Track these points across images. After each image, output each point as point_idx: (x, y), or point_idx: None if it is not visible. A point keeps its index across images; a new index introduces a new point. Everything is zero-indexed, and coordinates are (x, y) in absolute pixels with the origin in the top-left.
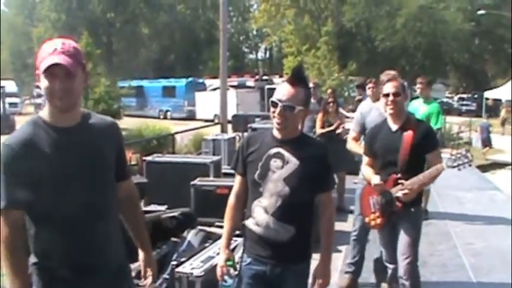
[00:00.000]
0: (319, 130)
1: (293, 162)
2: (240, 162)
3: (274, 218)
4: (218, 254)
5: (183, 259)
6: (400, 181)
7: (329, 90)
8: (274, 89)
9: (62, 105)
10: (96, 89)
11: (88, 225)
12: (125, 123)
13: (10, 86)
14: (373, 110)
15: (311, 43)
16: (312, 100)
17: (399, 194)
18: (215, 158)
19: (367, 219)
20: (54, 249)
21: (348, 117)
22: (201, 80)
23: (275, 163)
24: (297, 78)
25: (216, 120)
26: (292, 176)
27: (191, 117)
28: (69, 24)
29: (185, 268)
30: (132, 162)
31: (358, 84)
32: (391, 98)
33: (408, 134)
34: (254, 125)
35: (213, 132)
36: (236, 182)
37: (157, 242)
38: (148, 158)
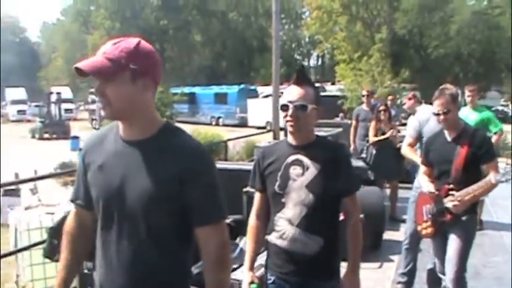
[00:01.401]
0: (372, 138)
1: (313, 167)
2: (258, 178)
3: (300, 229)
4: None
5: (235, 266)
6: (451, 192)
7: (390, 97)
8: (326, 96)
9: (105, 113)
10: None
11: (120, 254)
12: None
13: (65, 92)
14: (431, 119)
15: (363, 50)
16: (366, 108)
17: (449, 204)
18: None
19: (419, 228)
20: (95, 264)
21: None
22: (253, 87)
23: (295, 171)
24: (303, 78)
25: (268, 127)
26: (315, 182)
27: (243, 124)
28: (123, 32)
29: (237, 275)
30: None
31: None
32: (441, 117)
33: (463, 145)
34: None
35: (265, 139)
36: (256, 199)
37: None
38: None
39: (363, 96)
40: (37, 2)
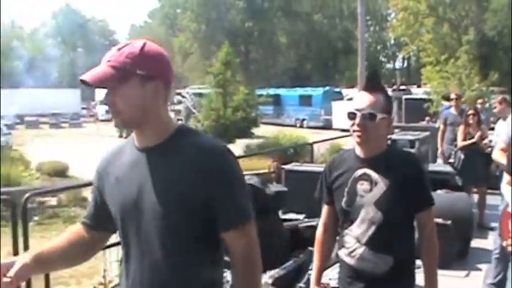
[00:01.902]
0: (460, 143)
1: (382, 182)
2: (325, 191)
3: (368, 247)
4: None
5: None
6: None
7: (479, 100)
8: (412, 99)
9: (115, 122)
10: (235, 96)
11: (142, 271)
12: (262, 131)
13: None
14: None
15: (450, 52)
16: (454, 112)
17: None
18: None
19: (504, 243)
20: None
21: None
22: (337, 89)
23: (362, 186)
24: (374, 84)
25: None
26: (384, 199)
27: (327, 126)
28: (209, 34)
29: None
30: (271, 170)
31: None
32: None
33: None
34: (393, 136)
35: (350, 142)
36: (323, 212)
37: (295, 251)
38: (287, 167)
39: (451, 99)
40: (125, 5)
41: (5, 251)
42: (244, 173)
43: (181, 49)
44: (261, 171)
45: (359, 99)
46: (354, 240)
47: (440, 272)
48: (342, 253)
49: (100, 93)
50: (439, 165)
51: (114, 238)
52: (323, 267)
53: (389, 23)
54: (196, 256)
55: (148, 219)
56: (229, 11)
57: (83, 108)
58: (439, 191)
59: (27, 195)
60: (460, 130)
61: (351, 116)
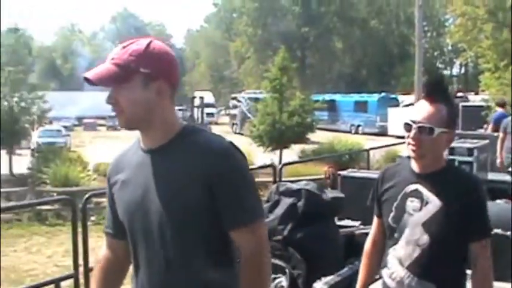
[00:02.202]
0: None
1: (434, 202)
2: (375, 202)
3: (410, 272)
4: None
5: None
6: None
7: None
8: (470, 106)
9: (119, 122)
10: (291, 102)
11: (151, 277)
12: (318, 136)
13: (207, 97)
14: None
15: (510, 59)
16: None
17: None
18: None
19: None
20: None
21: None
22: (393, 96)
23: (412, 203)
24: (437, 93)
25: None
26: (433, 221)
27: (383, 132)
28: (265, 39)
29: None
30: (327, 176)
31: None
32: None
33: None
34: (451, 144)
35: (405, 149)
36: (373, 224)
37: (350, 258)
38: (344, 173)
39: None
40: (182, 10)
41: (62, 249)
42: (300, 178)
43: (237, 54)
44: (317, 177)
45: (417, 109)
46: (397, 262)
47: (499, 284)
48: (384, 273)
49: None
50: (498, 174)
51: None
52: (367, 283)
53: (447, 28)
54: (205, 258)
55: (154, 222)
56: (285, 15)
57: None
58: (498, 201)
59: (87, 195)
60: None
61: (407, 127)
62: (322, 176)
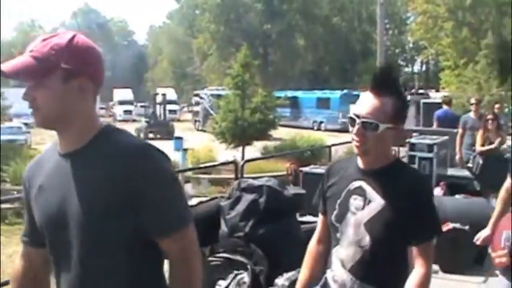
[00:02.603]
0: (479, 148)
1: (377, 201)
2: (321, 198)
3: (352, 275)
4: None
5: None
6: None
7: (496, 105)
8: (430, 103)
9: (35, 121)
10: (253, 98)
11: (68, 277)
12: (280, 133)
13: (170, 94)
14: None
15: (469, 56)
16: (473, 116)
17: None
18: None
19: (493, 255)
20: None
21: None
22: (355, 92)
23: (355, 201)
24: (384, 86)
25: None
26: (375, 221)
27: (345, 129)
28: (227, 36)
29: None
30: (289, 172)
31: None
32: None
33: None
34: (412, 140)
35: None
36: (319, 222)
37: None
38: (305, 169)
39: (472, 104)
40: (144, 6)
41: (11, 251)
42: (262, 175)
43: (199, 50)
44: (279, 174)
45: (362, 102)
46: (339, 263)
47: (457, 277)
48: (329, 275)
49: (118, 94)
50: (457, 170)
51: None
52: (308, 284)
53: (408, 26)
54: (128, 266)
55: (73, 230)
56: (247, 12)
57: (101, 108)
58: (457, 196)
59: None
60: (479, 135)
61: (351, 122)
62: (284, 173)
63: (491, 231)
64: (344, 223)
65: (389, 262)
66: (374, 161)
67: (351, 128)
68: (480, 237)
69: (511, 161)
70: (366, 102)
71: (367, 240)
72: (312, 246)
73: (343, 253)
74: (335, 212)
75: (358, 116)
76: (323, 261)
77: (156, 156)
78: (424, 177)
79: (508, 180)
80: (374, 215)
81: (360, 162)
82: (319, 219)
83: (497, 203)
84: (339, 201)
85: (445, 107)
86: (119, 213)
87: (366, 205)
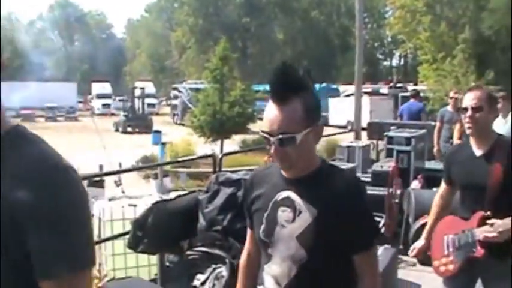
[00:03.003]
0: (456, 141)
1: (308, 211)
2: (246, 211)
3: None
4: None
5: None
6: (489, 221)
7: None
8: (408, 96)
9: None
10: (232, 92)
11: None
12: (259, 126)
13: (148, 88)
14: None
15: (447, 51)
16: (451, 109)
17: (483, 236)
18: (350, 165)
19: (436, 263)
20: None
21: None
22: (334, 86)
23: (284, 213)
24: (285, 90)
25: (349, 127)
26: (308, 233)
27: (323, 122)
28: (206, 29)
29: None
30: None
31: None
32: (469, 113)
33: (496, 163)
34: (390, 134)
35: (346, 138)
36: (247, 236)
37: None
38: None
39: (451, 98)
40: None
41: None
42: (241, 168)
43: (178, 44)
44: (257, 167)
45: (269, 116)
46: (273, 281)
47: (429, 268)
48: None
49: (96, 87)
50: (435, 163)
51: (109, 232)
52: None
53: (387, 20)
54: None
55: None
56: (226, 6)
57: (79, 102)
58: (434, 189)
59: None
60: (457, 128)
61: (266, 140)
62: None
63: (427, 240)
64: (274, 238)
65: (330, 276)
66: (299, 170)
67: (267, 147)
68: (415, 248)
69: (443, 167)
70: (273, 116)
71: (301, 254)
72: (242, 262)
73: (277, 270)
74: (262, 227)
75: (270, 134)
76: (255, 277)
77: (56, 178)
78: (355, 179)
79: (443, 185)
80: (306, 227)
81: (283, 171)
82: (248, 234)
83: (432, 210)
84: (265, 214)
85: (412, 100)
86: (9, 247)
87: (297, 217)
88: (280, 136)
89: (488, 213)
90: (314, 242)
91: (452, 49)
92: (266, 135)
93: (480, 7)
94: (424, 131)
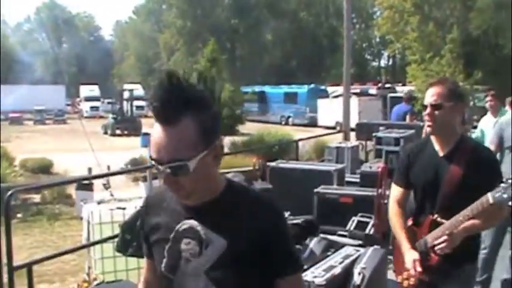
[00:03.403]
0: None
1: (217, 242)
2: (143, 239)
3: None
4: (340, 263)
5: (304, 267)
6: (438, 222)
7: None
8: (396, 97)
9: None
10: (221, 94)
11: None
12: (247, 128)
13: (137, 90)
14: None
15: (435, 51)
16: None
17: (434, 242)
18: (339, 166)
19: (399, 278)
20: None
21: None
22: (323, 87)
23: (188, 246)
24: (170, 108)
25: (338, 128)
26: (219, 267)
27: (312, 123)
28: (194, 31)
29: (307, 276)
30: (256, 167)
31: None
32: (428, 110)
33: (456, 163)
34: (379, 134)
35: (335, 139)
36: (145, 265)
37: None
38: (272, 164)
39: None
40: (110, 1)
41: None
42: (230, 170)
43: (166, 46)
44: (246, 169)
45: (155, 141)
46: None
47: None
48: None
49: (84, 90)
50: None
51: (98, 235)
52: None
53: (375, 21)
54: None
55: None
56: (214, 7)
57: (68, 105)
58: None
59: (10, 192)
60: None
61: (155, 169)
62: (252, 168)
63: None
64: (179, 274)
65: None
66: (200, 198)
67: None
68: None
69: (399, 167)
70: (160, 141)
71: None
72: None
73: None
74: (165, 261)
75: (159, 162)
76: None
77: None
78: (269, 199)
79: (397, 188)
80: (216, 260)
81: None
82: (145, 262)
83: (393, 221)
84: (167, 247)
85: (403, 103)
86: None
87: (204, 249)
88: (170, 165)
89: (436, 216)
90: (226, 277)
91: (440, 49)
92: (155, 165)
93: (468, 7)
94: (412, 131)
